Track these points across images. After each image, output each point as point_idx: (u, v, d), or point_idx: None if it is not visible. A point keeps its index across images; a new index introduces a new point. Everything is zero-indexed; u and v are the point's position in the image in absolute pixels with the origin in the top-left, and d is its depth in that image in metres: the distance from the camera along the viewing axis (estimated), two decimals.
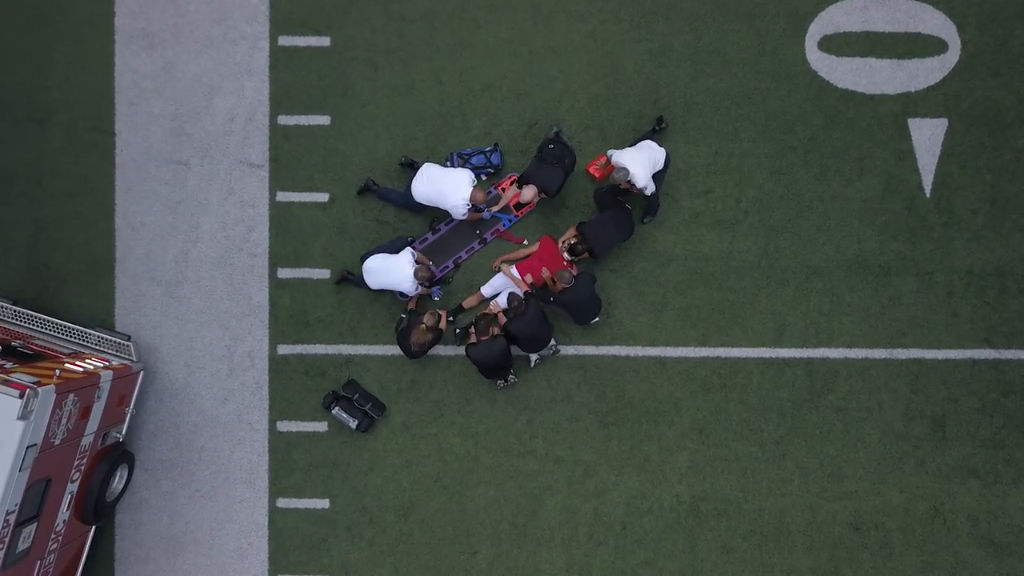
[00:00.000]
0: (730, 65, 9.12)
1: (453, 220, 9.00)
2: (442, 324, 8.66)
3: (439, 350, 9.05)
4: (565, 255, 8.74)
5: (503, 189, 9.09)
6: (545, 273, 8.64)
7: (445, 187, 8.45)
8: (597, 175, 9.01)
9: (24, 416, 6.95)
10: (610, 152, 8.48)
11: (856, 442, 8.93)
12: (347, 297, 9.05)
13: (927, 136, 9.06)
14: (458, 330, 8.92)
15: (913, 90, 9.06)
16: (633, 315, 9.04)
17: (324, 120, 9.12)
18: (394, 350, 8.98)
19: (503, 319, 8.61)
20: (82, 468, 8.15)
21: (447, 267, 9.06)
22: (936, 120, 9.04)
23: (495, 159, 9.04)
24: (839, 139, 9.05)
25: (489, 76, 9.11)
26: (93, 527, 8.68)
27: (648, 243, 9.09)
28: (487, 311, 8.90)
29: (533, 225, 9.16)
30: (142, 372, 8.87)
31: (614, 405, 8.99)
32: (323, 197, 9.12)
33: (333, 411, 8.89)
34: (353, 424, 8.87)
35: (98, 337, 8.68)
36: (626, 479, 8.94)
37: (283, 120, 9.14)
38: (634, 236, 8.83)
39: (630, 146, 8.56)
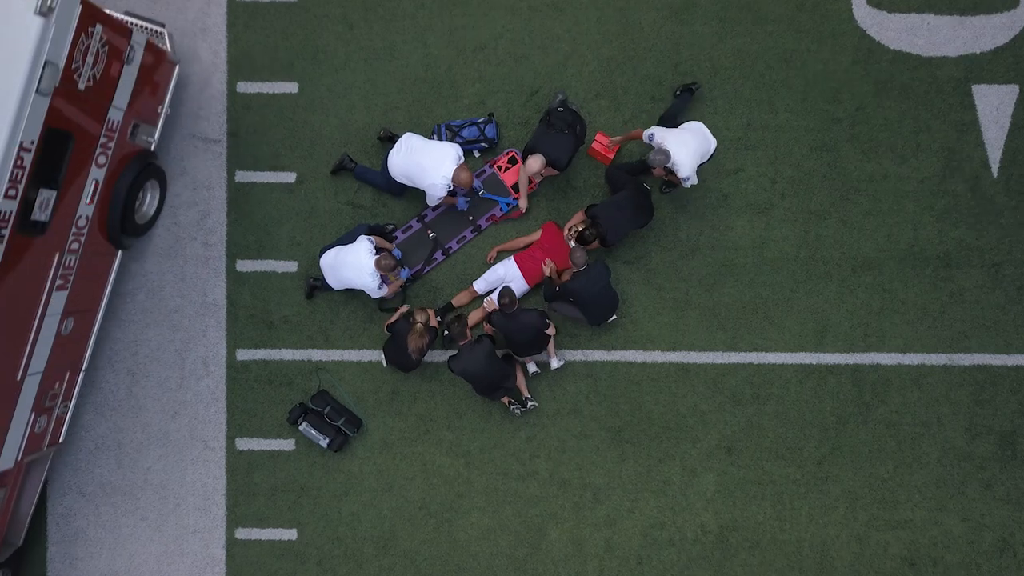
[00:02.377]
0: (764, 23, 8.55)
1: (441, 206, 8.34)
2: (432, 323, 8.09)
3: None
4: (572, 244, 8.11)
5: (499, 167, 8.46)
6: (549, 266, 8.00)
7: (425, 161, 7.69)
8: (604, 154, 8.34)
9: (43, 10, 6.04)
10: (650, 130, 7.63)
11: (911, 462, 8.41)
12: (317, 295, 8.50)
13: (994, 105, 8.49)
14: (446, 331, 8.22)
15: (978, 51, 8.52)
16: (651, 315, 8.46)
17: (291, 88, 8.57)
18: (371, 356, 8.40)
19: (488, 329, 8.07)
20: (109, 153, 7.39)
21: (436, 259, 8.46)
22: (1005, 87, 8.49)
23: (489, 132, 8.40)
24: (891, 109, 8.53)
25: (483, 36, 8.55)
26: (119, 253, 8.07)
27: (669, 230, 8.49)
28: (460, 305, 8.35)
29: (535, 209, 8.54)
30: (178, 68, 8.18)
31: (629, 419, 8.46)
32: (289, 177, 8.54)
33: (301, 427, 8.33)
34: (324, 442, 8.31)
35: (127, 22, 7.79)
36: (643, 505, 8.42)
37: (243, 87, 8.57)
38: (653, 222, 8.23)
39: (671, 126, 7.76)
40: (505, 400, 8.17)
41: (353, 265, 7.67)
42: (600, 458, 8.41)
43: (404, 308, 8.04)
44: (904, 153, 8.48)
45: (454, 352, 7.81)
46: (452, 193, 7.93)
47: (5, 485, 7.32)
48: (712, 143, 7.71)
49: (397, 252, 8.22)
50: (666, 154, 7.40)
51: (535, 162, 7.70)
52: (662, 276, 8.44)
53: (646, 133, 7.57)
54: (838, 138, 8.48)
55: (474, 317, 8.20)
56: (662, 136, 7.48)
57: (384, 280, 7.76)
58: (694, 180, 7.66)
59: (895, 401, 8.40)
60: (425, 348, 7.80)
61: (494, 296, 8.14)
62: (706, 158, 7.74)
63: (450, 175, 7.62)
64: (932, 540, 8.33)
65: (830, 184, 8.47)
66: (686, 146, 7.47)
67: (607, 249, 8.19)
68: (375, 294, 7.84)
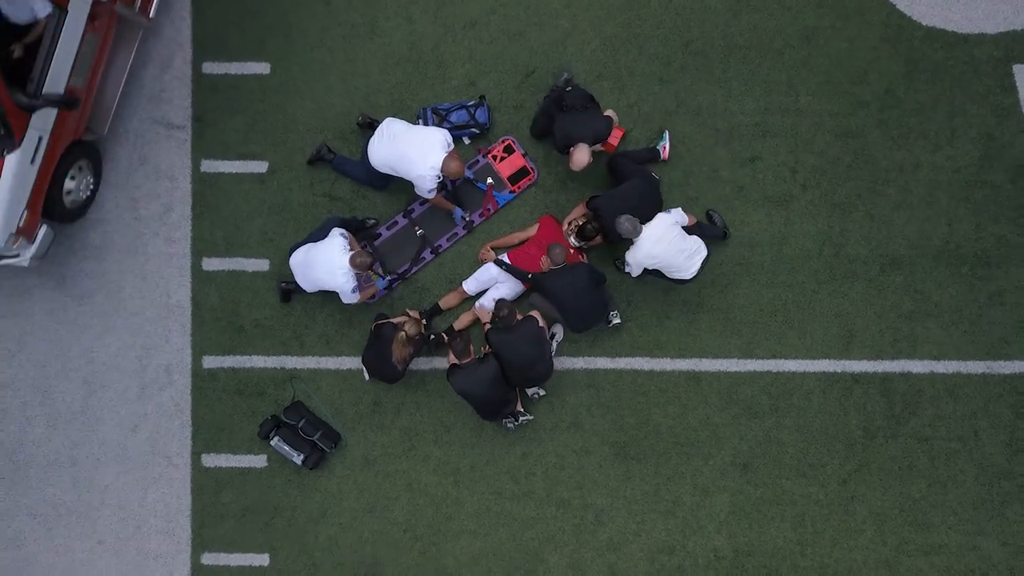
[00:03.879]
0: None
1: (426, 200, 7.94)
2: (421, 331, 7.82)
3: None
4: (572, 240, 7.86)
5: (494, 157, 8.13)
6: (545, 263, 7.67)
7: (410, 150, 7.27)
8: (608, 140, 8.01)
9: None
10: (676, 210, 7.45)
11: (946, 481, 8.14)
12: (294, 298, 8.25)
13: None
14: (432, 335, 7.97)
15: (1020, 28, 8.26)
16: (659, 318, 8.20)
17: (262, 68, 8.34)
18: (350, 363, 8.11)
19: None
20: None
21: (424, 259, 8.14)
22: None
23: (480, 116, 8.09)
24: (924, 92, 8.28)
25: (474, 11, 8.33)
26: None
27: None
28: (448, 307, 8.03)
29: (531, 203, 8.28)
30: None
31: (634, 433, 8.22)
32: (260, 167, 8.29)
33: (273, 442, 8.04)
34: (299, 459, 8.04)
35: None
36: (650, 528, 8.18)
37: (209, 68, 8.35)
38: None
39: (683, 221, 7.42)
40: None
41: (325, 264, 7.22)
42: (603, 476, 8.16)
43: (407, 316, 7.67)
44: (938, 140, 8.20)
45: (456, 365, 7.48)
46: (443, 186, 7.48)
47: (98, 30, 7.13)
48: (688, 270, 7.40)
49: (381, 282, 7.91)
50: (636, 231, 7.10)
51: (583, 154, 7.35)
52: None
53: (672, 212, 7.37)
54: (865, 123, 8.22)
55: (463, 320, 7.89)
56: (664, 219, 7.21)
57: (358, 283, 7.34)
58: (630, 271, 7.51)
59: (928, 413, 8.12)
60: (410, 358, 7.49)
61: (484, 299, 7.87)
62: (673, 273, 7.46)
63: (439, 165, 7.20)
64: (969, 567, 8.03)
65: (856, 174, 8.20)
66: (661, 245, 7.18)
67: (611, 245, 7.85)
68: (347, 299, 7.38)
